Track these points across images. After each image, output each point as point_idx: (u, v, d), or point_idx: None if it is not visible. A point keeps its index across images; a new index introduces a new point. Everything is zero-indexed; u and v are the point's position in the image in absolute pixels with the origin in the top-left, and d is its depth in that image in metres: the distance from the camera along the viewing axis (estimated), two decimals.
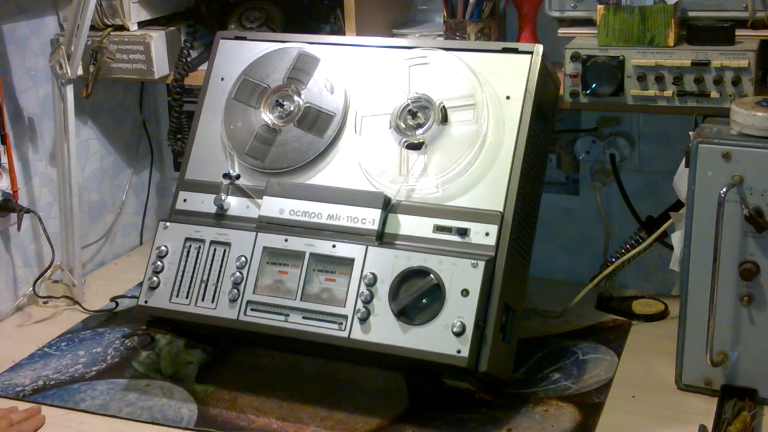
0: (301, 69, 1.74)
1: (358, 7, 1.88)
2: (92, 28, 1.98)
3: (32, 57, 2.04)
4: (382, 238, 1.60)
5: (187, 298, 1.65)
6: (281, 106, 1.73)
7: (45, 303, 2.07)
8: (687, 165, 1.60)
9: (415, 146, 1.62)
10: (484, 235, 1.56)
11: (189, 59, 2.07)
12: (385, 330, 1.53)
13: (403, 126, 1.65)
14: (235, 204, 1.71)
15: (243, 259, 1.63)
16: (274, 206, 1.66)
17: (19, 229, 2.00)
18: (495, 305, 1.52)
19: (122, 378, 1.78)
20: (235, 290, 1.62)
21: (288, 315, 1.59)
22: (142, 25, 2.06)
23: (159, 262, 1.68)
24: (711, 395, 1.63)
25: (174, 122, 2.11)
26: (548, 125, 1.73)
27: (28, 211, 2.00)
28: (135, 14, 2.04)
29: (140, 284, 1.72)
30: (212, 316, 1.63)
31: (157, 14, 2.10)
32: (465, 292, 1.50)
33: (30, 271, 2.08)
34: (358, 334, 1.54)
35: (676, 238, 1.73)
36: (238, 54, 1.79)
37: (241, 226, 1.67)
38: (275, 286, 1.61)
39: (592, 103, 1.75)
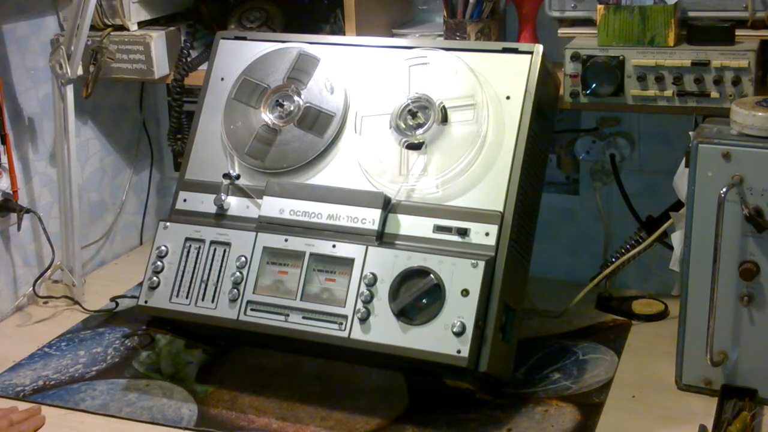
0: (301, 69, 1.74)
1: (358, 7, 1.88)
2: (92, 28, 1.98)
3: (32, 57, 2.04)
4: (382, 238, 1.60)
5: (187, 298, 1.65)
6: (281, 106, 1.73)
7: (45, 303, 2.07)
8: (687, 165, 1.60)
9: (415, 146, 1.62)
10: (484, 235, 1.55)
11: (189, 59, 2.07)
12: (385, 330, 1.53)
13: (403, 126, 1.65)
14: (235, 204, 1.71)
15: (243, 259, 1.63)
16: (274, 206, 1.66)
17: (19, 229, 2.00)
18: (495, 305, 1.52)
19: (122, 378, 1.78)
20: (235, 290, 1.62)
21: (288, 315, 1.59)
22: (142, 25, 2.06)
23: (159, 262, 1.68)
24: (711, 395, 1.63)
25: (174, 122, 2.11)
26: (548, 125, 1.73)
27: (28, 211, 2.00)
28: (135, 14, 2.04)
29: (140, 284, 1.72)
30: (212, 316, 1.63)
31: (157, 14, 2.10)
32: (465, 292, 1.50)
33: (30, 271, 2.08)
34: (358, 334, 1.54)
35: (676, 238, 1.73)
36: (238, 54, 1.79)
37: (241, 226, 1.67)
38: (275, 286, 1.61)
39: (592, 103, 1.75)
